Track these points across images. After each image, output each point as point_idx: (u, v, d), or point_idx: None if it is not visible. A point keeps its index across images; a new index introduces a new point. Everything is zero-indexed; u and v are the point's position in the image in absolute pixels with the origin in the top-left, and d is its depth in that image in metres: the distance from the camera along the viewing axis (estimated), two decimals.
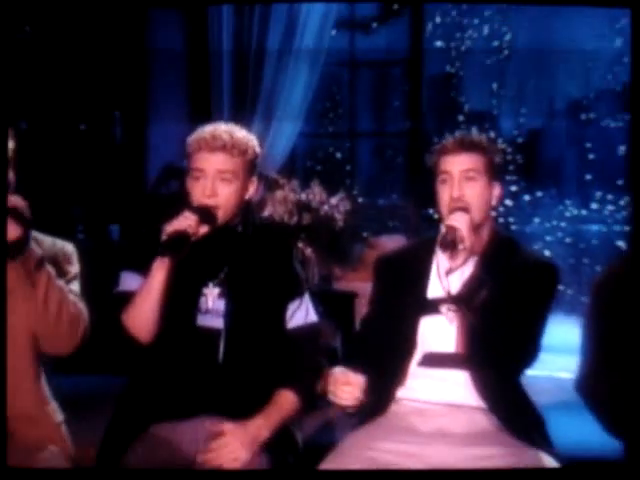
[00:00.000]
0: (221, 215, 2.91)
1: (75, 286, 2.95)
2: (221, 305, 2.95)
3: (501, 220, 3.13)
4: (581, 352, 2.98)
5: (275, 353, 2.98)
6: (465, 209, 2.92)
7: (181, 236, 2.81)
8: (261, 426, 2.88)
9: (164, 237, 2.82)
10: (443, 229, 2.91)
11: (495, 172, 3.02)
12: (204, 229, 2.86)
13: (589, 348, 2.96)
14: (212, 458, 2.82)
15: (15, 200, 2.78)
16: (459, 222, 2.88)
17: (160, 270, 2.84)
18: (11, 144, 2.87)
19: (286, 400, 2.95)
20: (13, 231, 2.74)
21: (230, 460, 2.81)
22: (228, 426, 2.86)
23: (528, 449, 2.82)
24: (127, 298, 2.89)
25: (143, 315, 2.86)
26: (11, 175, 2.85)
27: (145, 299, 2.85)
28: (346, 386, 2.77)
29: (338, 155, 7.84)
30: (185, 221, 2.83)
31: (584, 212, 8.32)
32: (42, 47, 6.35)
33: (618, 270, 3.05)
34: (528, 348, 2.92)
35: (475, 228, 2.94)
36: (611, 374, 2.87)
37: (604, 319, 2.93)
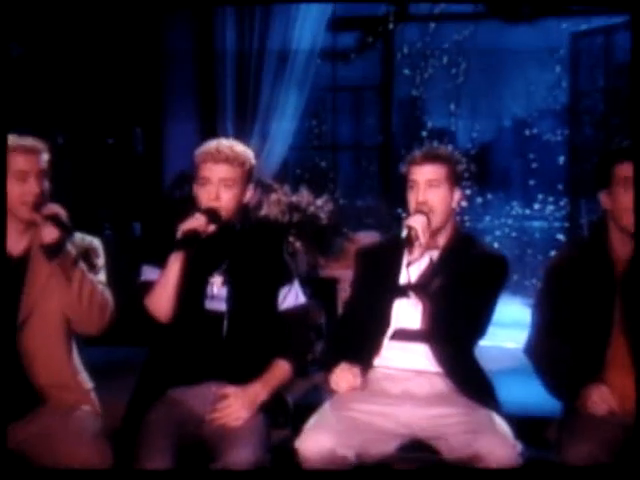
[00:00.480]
0: (223, 216, 2.91)
1: (102, 276, 2.93)
2: (224, 291, 2.95)
3: (457, 218, 3.12)
4: (531, 322, 3.01)
5: (270, 330, 2.98)
6: (423, 212, 2.90)
7: (193, 233, 2.82)
8: (260, 390, 2.89)
9: (179, 235, 2.83)
10: (403, 228, 2.90)
11: (456, 180, 2.98)
12: (211, 228, 2.87)
13: (538, 319, 3.00)
14: (218, 417, 2.84)
15: (55, 207, 2.74)
16: (416, 223, 2.86)
17: (176, 262, 2.84)
18: (46, 156, 2.83)
19: (281, 368, 2.96)
20: (51, 235, 2.72)
21: (233, 419, 2.83)
22: (231, 390, 2.87)
23: (480, 409, 2.82)
24: (148, 286, 2.89)
25: (162, 300, 2.86)
26: (47, 183, 2.82)
27: (164, 287, 2.86)
28: (345, 381, 2.89)
29: (323, 164, 7.84)
30: (196, 221, 2.84)
31: (528, 211, 8.35)
32: (77, 77, 6.35)
33: (565, 257, 3.09)
34: (480, 325, 2.92)
35: (436, 227, 2.93)
36: (555, 340, 2.92)
37: (553, 296, 2.97)
